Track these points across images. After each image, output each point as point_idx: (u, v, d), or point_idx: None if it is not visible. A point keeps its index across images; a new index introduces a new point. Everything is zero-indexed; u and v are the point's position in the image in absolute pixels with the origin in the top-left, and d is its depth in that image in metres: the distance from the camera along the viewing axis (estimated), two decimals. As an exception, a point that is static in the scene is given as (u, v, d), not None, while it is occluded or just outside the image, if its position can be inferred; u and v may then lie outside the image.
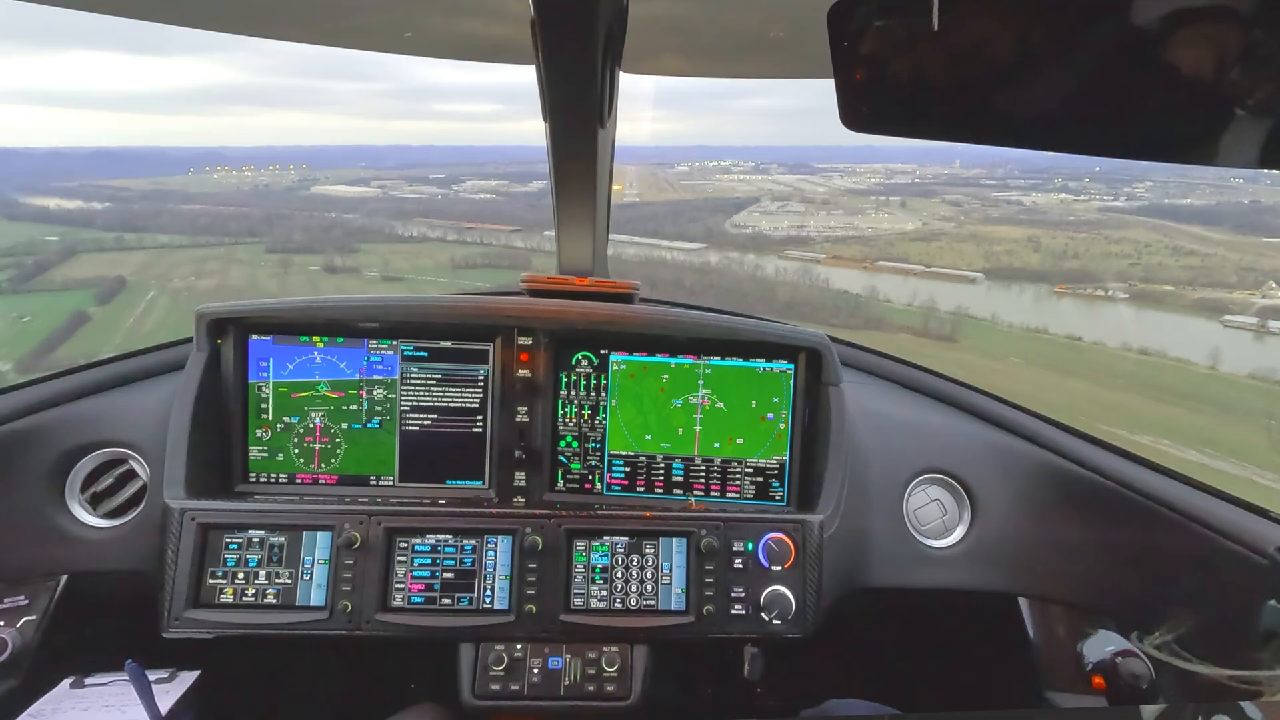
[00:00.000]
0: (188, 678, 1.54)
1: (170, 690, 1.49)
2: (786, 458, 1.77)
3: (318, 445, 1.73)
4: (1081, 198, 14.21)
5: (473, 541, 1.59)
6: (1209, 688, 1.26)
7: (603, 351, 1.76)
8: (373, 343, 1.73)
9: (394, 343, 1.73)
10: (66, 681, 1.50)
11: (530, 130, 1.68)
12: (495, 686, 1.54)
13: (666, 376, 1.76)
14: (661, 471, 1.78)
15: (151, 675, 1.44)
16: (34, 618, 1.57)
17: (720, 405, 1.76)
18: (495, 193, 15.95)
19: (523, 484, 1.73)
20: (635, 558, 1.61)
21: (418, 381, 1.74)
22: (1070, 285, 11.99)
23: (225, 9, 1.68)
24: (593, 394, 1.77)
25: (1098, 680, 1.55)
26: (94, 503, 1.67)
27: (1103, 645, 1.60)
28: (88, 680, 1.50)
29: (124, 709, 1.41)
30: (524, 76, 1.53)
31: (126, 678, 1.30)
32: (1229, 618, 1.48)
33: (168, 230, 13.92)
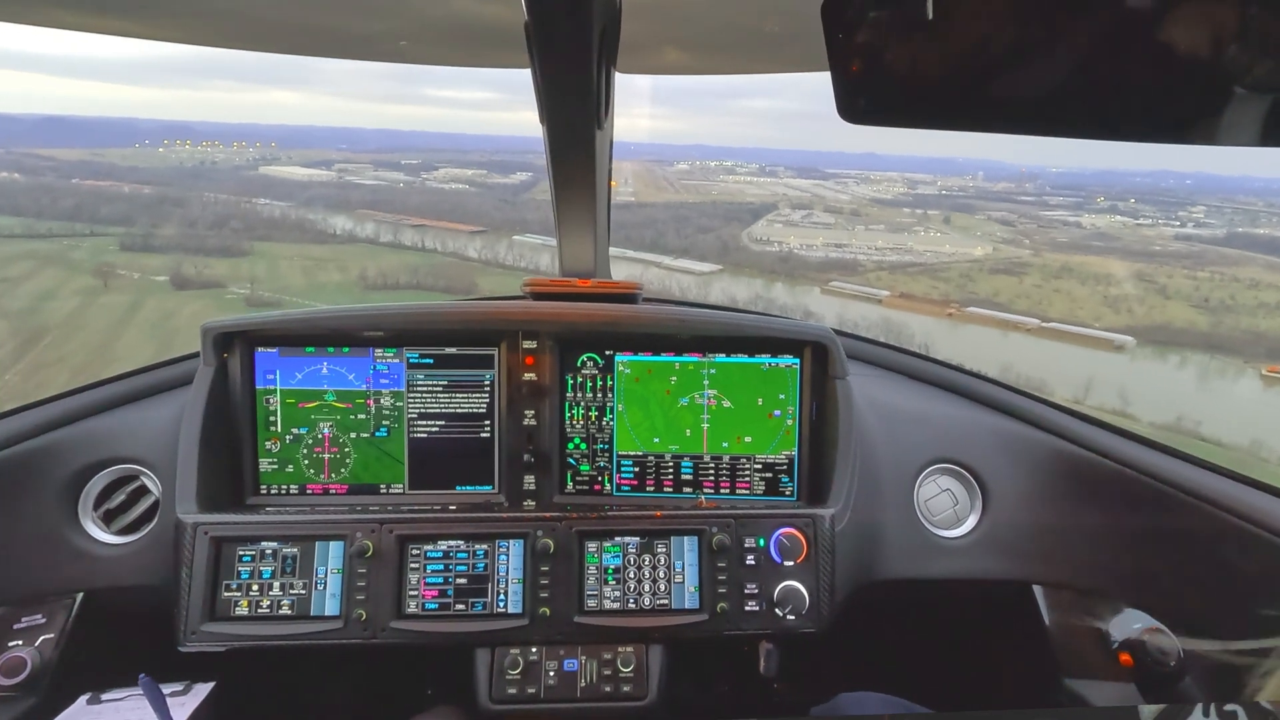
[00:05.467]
0: (202, 690, 1.55)
1: (185, 703, 1.50)
2: (795, 453, 1.77)
3: (327, 455, 1.73)
4: (1143, 222, 11.88)
5: (484, 546, 1.60)
6: (1233, 666, 1.25)
7: (608, 352, 1.76)
8: (378, 351, 1.74)
9: (399, 351, 1.74)
10: (83, 698, 1.51)
11: (524, 121, 1.65)
12: (512, 690, 1.54)
13: (673, 379, 1.76)
14: (671, 471, 1.78)
15: (166, 689, 1.45)
16: (51, 636, 1.58)
17: (727, 404, 1.76)
18: (469, 183, 13.70)
19: (532, 487, 1.74)
20: (647, 557, 1.61)
21: (424, 388, 1.75)
22: (1280, 365, 8.19)
23: (218, 29, 1.69)
24: (599, 395, 1.77)
25: (1125, 657, 1.55)
26: (107, 520, 1.68)
27: (1129, 623, 1.61)
28: (104, 696, 1.51)
29: None
30: (522, 68, 1.51)
31: (142, 692, 1.31)
32: (1245, 599, 1.48)
33: (24, 213, 10.75)
